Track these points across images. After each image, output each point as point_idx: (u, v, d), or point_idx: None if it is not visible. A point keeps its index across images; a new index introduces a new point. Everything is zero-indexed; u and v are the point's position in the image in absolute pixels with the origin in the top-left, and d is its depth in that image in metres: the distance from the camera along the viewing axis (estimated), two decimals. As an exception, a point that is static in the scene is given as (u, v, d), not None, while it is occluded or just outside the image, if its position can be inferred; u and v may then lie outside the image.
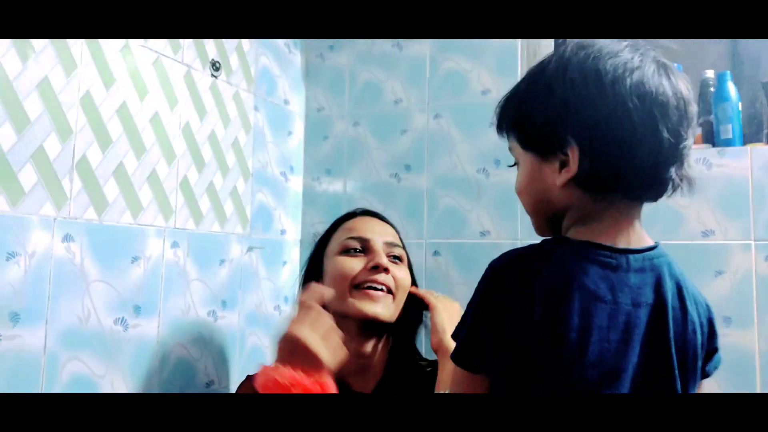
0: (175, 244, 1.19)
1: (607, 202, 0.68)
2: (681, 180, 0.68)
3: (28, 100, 0.94)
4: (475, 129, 1.43)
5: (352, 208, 1.20)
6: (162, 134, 1.17)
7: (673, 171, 0.66)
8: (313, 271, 1.14)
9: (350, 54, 1.59)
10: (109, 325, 1.04)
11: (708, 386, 0.77)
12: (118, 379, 1.05)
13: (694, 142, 1.31)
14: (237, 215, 1.36)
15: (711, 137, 1.32)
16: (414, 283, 1.13)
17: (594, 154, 0.65)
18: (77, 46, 1.02)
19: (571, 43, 0.69)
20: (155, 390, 1.12)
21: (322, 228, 1.21)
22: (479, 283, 0.70)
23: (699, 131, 1.37)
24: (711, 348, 0.74)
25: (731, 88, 1.29)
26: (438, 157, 1.46)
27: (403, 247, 1.14)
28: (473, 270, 1.29)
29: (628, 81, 0.65)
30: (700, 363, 0.71)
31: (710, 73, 1.36)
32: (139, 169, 1.12)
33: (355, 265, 1.04)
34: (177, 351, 1.18)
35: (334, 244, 1.10)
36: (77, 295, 0.99)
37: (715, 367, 0.75)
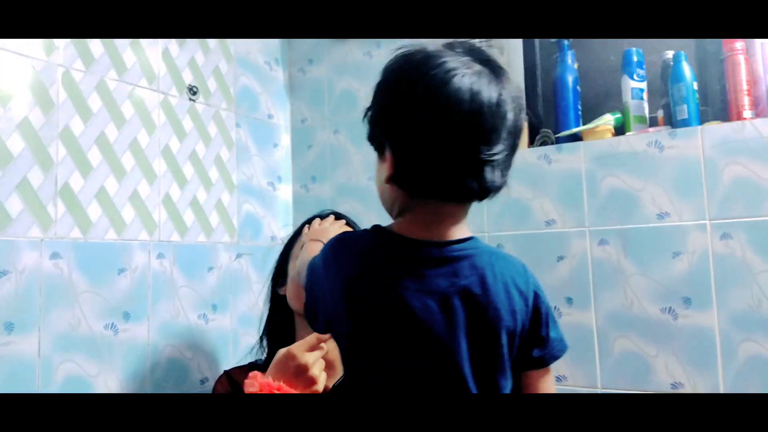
0: (160, 255, 1.31)
1: (421, 200, 0.73)
2: (490, 185, 0.70)
3: (10, 139, 1.08)
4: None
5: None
6: (141, 157, 1.30)
7: (483, 177, 0.69)
8: (280, 273, 1.23)
9: (328, 66, 1.68)
10: (99, 330, 1.18)
11: (547, 375, 0.79)
12: (111, 377, 1.19)
13: (658, 124, 1.36)
14: (223, 225, 1.48)
15: (670, 119, 1.32)
16: None
17: (404, 158, 0.71)
18: (55, 87, 1.16)
19: (403, 49, 0.73)
20: (148, 388, 1.25)
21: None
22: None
23: (661, 113, 1.37)
24: (538, 336, 0.75)
25: (686, 68, 1.29)
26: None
27: None
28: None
29: (438, 89, 0.67)
30: (511, 350, 0.73)
31: (669, 54, 1.36)
32: (121, 190, 1.26)
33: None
34: (168, 351, 1.30)
35: (296, 248, 1.19)
36: (67, 304, 1.13)
37: (553, 356, 0.77)
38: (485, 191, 0.71)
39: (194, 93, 1.44)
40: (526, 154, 1.38)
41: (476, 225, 1.41)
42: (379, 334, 0.72)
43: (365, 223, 1.53)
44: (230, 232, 1.50)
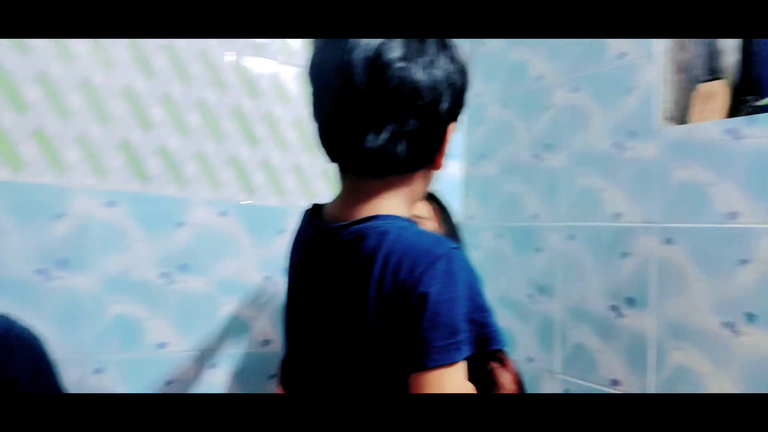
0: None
1: (342, 177, 0.74)
2: (370, 157, 0.68)
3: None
4: (610, 98, 1.29)
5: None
6: (303, 133, 1.44)
7: (357, 147, 0.67)
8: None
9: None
10: (152, 278, 1.26)
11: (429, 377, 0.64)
12: (163, 323, 1.26)
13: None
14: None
15: None
16: None
17: (320, 132, 0.73)
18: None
19: None
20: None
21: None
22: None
23: None
24: (408, 334, 0.63)
25: None
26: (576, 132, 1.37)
27: (445, 222, 1.20)
28: (607, 256, 1.21)
29: (309, 63, 0.71)
30: (378, 342, 0.66)
31: None
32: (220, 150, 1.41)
33: None
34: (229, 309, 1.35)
35: None
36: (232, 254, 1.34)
37: (422, 364, 0.63)
38: (367, 163, 0.69)
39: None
40: (709, 128, 1.11)
41: (643, 214, 1.20)
42: (305, 325, 0.76)
43: (525, 204, 1.46)
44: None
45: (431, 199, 1.21)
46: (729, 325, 1.05)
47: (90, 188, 1.21)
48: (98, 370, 1.20)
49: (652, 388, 1.16)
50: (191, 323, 1.30)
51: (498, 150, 1.59)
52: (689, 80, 1.27)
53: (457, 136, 1.69)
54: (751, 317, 1.02)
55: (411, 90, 0.66)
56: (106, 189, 1.22)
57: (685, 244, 1.13)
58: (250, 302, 1.36)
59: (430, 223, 1.16)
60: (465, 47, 1.67)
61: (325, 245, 0.73)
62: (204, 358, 1.31)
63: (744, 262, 1.04)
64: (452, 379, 0.64)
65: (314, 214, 0.77)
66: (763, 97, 1.11)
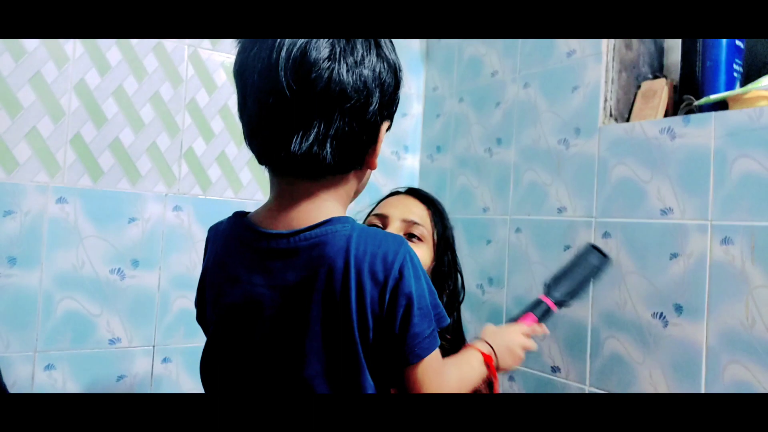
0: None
1: (273, 180, 0.72)
2: (314, 161, 0.66)
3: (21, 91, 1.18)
4: (558, 96, 1.33)
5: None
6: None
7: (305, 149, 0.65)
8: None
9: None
10: (105, 274, 1.25)
11: (417, 368, 0.68)
12: (114, 320, 1.27)
13: None
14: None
15: None
16: (448, 265, 1.15)
17: (246, 133, 0.71)
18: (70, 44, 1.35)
19: None
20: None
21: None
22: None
23: None
24: (394, 330, 0.66)
25: None
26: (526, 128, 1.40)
27: (436, 227, 1.14)
28: (551, 248, 1.25)
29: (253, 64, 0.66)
30: (366, 347, 0.66)
31: None
32: (240, 154, 1.42)
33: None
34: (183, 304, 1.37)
35: (366, 221, 1.21)
36: (184, 250, 1.35)
37: (414, 354, 0.67)
38: (296, 166, 0.66)
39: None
40: (647, 127, 1.15)
41: (584, 208, 1.25)
42: (228, 330, 0.73)
43: (477, 197, 1.50)
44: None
45: (428, 202, 1.17)
46: (659, 316, 1.10)
47: (41, 184, 1.20)
48: (49, 367, 1.21)
49: (588, 374, 1.21)
50: (144, 319, 1.31)
51: (453, 143, 1.62)
52: (633, 78, 1.31)
53: (415, 129, 1.72)
54: (678, 308, 1.07)
55: (338, 91, 0.64)
56: (57, 185, 1.22)
57: (621, 238, 1.17)
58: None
59: (421, 229, 1.12)
60: (421, 42, 1.70)
61: (269, 253, 0.69)
62: (157, 353, 1.32)
63: (674, 256, 1.08)
64: (439, 360, 0.71)
65: (244, 220, 0.73)
66: (701, 97, 1.16)
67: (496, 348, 0.87)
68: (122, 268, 1.28)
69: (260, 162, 0.71)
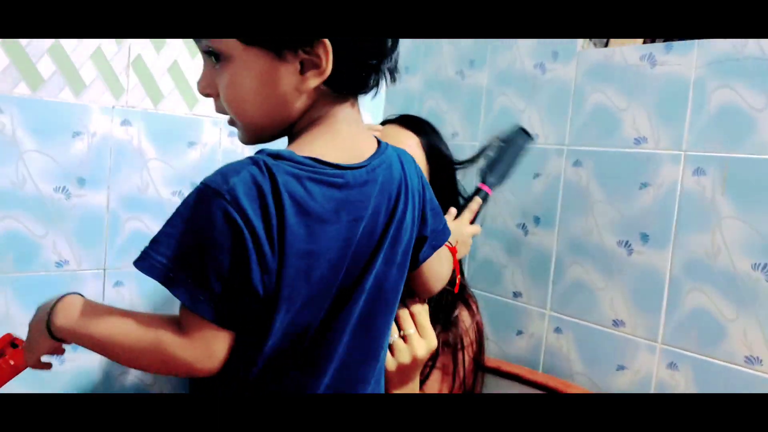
0: (232, 133, 1.37)
1: (340, 105, 0.67)
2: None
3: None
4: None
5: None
6: (217, 35, 1.33)
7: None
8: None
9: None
10: (48, 192, 1.16)
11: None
12: None
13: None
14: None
15: None
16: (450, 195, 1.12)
17: (343, 50, 0.62)
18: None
19: None
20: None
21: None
22: (190, 202, 0.61)
23: None
24: (420, 235, 0.76)
25: None
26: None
27: (429, 160, 1.08)
28: (519, 176, 1.22)
29: None
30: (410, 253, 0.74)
31: None
32: (194, 65, 1.30)
33: None
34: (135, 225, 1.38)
35: None
36: (135, 168, 1.25)
37: (427, 255, 0.79)
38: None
39: None
40: (627, 53, 1.12)
41: (556, 136, 1.23)
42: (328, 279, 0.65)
43: (446, 122, 1.45)
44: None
45: (420, 131, 1.10)
46: (624, 244, 1.12)
47: (-34, 90, 1.07)
48: (-10, 290, 1.13)
49: (549, 300, 1.23)
50: (93, 241, 1.22)
51: (422, 64, 1.55)
52: (612, 1, 1.27)
53: (379, 48, 1.63)
54: (644, 237, 1.09)
55: None
56: (-14, 92, 1.09)
57: (592, 166, 1.17)
58: (158, 219, 1.30)
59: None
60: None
61: (348, 187, 0.64)
62: (108, 276, 1.25)
63: (644, 185, 1.09)
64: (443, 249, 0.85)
65: (306, 159, 0.63)
66: (679, 24, 1.13)
67: (454, 241, 0.93)
68: (67, 186, 1.18)
69: (367, 85, 0.68)
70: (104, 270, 1.24)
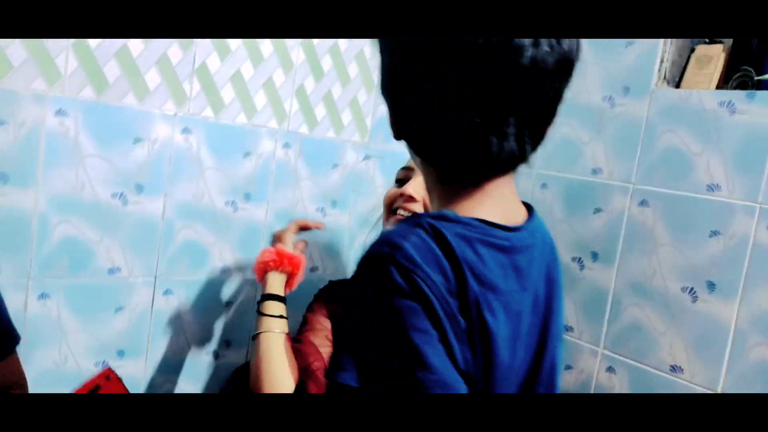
0: (287, 145, 1.35)
1: (474, 179, 0.61)
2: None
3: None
4: (610, 49, 1.25)
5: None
6: (280, 45, 1.30)
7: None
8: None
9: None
10: (106, 198, 1.14)
11: None
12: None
13: None
14: (355, 124, 1.46)
15: None
16: None
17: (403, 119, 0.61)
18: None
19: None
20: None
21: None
22: (360, 275, 0.56)
23: None
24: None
25: None
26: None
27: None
28: (580, 210, 1.21)
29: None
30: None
31: None
32: (256, 75, 1.28)
33: (393, 192, 1.08)
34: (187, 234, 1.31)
35: (397, 175, 1.14)
36: (192, 177, 1.23)
37: None
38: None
39: None
40: (705, 97, 1.10)
41: (622, 173, 1.21)
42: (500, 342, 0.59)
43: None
44: (361, 132, 1.48)
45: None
46: (689, 291, 1.10)
47: (38, 93, 1.04)
48: (43, 295, 1.10)
49: (603, 337, 1.22)
50: (145, 248, 1.21)
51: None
52: (688, 40, 1.24)
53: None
54: (711, 286, 1.08)
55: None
56: (54, 95, 1.06)
57: (660, 208, 1.15)
58: (211, 228, 1.28)
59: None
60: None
61: (514, 250, 0.60)
62: (159, 285, 1.23)
63: (715, 233, 1.08)
64: None
65: (474, 221, 0.59)
66: (761, 70, 1.11)
67: None
68: (125, 192, 1.16)
69: (486, 166, 0.60)
70: (155, 278, 1.23)
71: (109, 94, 1.11)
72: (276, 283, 1.11)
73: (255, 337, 1.05)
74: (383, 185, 1.52)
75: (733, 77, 1.17)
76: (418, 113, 0.58)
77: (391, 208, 1.08)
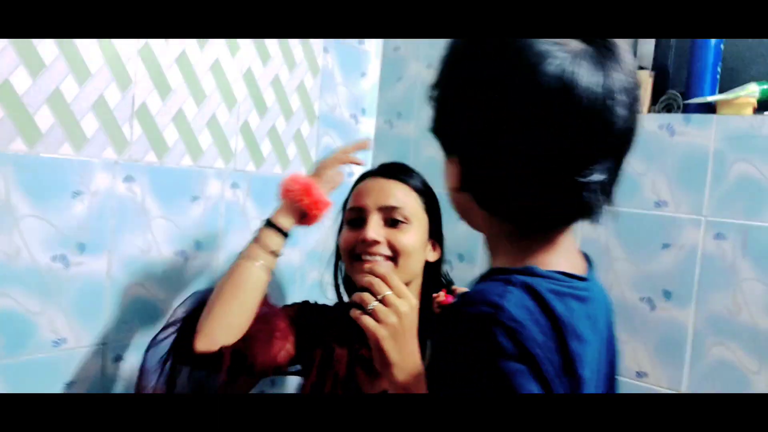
0: (235, 185, 1.27)
1: (534, 232, 0.61)
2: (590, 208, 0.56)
3: (89, 51, 1.02)
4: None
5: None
6: (222, 81, 1.23)
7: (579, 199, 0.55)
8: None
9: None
10: (46, 262, 1.00)
11: None
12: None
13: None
14: (300, 157, 1.41)
15: None
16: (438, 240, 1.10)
17: (477, 170, 0.58)
18: None
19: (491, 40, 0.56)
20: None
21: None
22: (458, 337, 0.54)
23: None
24: None
25: None
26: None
27: (426, 203, 1.06)
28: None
29: (525, 78, 0.52)
30: None
31: None
32: (199, 114, 1.20)
33: (351, 237, 1.02)
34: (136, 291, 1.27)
35: (343, 217, 1.10)
36: (137, 228, 1.12)
37: None
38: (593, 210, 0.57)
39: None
40: (645, 120, 1.20)
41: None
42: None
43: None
44: (307, 166, 1.43)
45: (402, 177, 1.06)
46: (647, 300, 1.18)
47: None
48: (-23, 382, 0.95)
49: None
50: (92, 313, 1.07)
51: (418, 110, 1.54)
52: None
53: (372, 92, 1.60)
54: (667, 294, 1.16)
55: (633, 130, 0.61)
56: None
57: (611, 227, 1.23)
58: (161, 282, 1.17)
59: (402, 210, 1.02)
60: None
61: (589, 301, 0.59)
62: (108, 351, 1.10)
63: (666, 246, 1.17)
64: None
65: (552, 273, 0.58)
66: (685, 93, 1.22)
67: None
68: (66, 254, 1.03)
69: (571, 217, 0.59)
70: (104, 345, 1.10)
71: (42, 145, 0.98)
72: (288, 215, 1.02)
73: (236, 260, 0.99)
74: (331, 218, 1.48)
75: (659, 100, 1.27)
76: (504, 168, 0.55)
77: (353, 254, 1.02)
